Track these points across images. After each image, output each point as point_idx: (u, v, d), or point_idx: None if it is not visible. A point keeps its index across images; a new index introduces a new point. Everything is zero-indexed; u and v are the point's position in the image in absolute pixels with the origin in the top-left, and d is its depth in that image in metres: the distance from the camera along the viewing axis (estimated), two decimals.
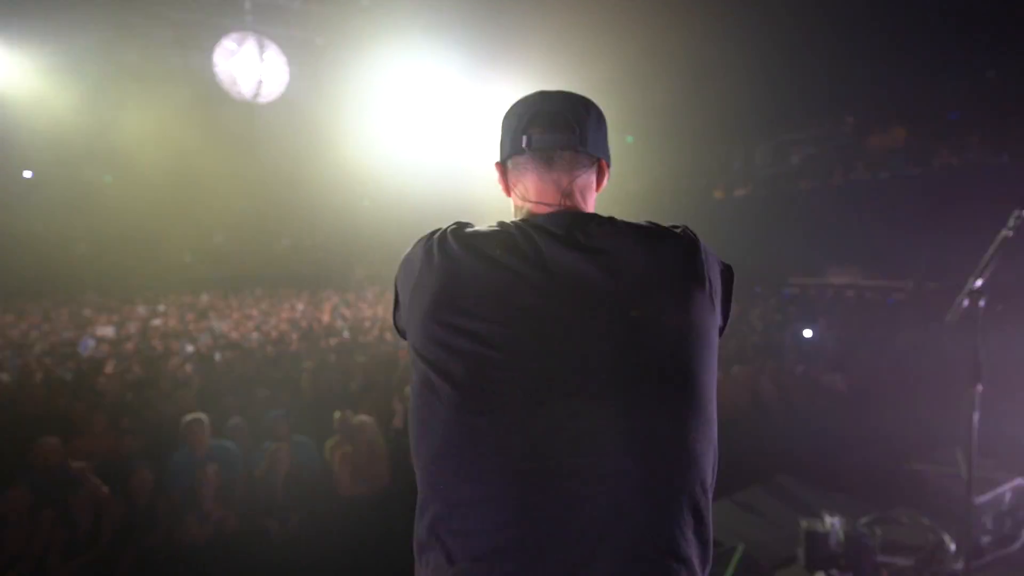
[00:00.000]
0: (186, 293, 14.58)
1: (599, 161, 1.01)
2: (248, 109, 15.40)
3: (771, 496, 4.18)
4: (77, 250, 16.80)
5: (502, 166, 1.03)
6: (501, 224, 0.93)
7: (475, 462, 0.81)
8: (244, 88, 13.03)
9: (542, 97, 1.00)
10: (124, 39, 12.53)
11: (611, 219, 0.93)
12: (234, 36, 12.34)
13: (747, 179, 14.20)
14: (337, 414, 3.82)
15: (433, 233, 0.94)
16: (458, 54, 13.25)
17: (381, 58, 13.59)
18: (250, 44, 12.57)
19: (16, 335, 8.44)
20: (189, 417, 3.53)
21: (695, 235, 0.94)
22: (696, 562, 0.81)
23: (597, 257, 0.86)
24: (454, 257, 0.88)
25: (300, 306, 12.01)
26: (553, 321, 0.83)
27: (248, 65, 12.68)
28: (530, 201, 0.98)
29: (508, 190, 1.03)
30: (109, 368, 5.90)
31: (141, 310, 11.54)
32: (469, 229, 0.93)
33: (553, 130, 0.96)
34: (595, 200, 1.04)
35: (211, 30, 12.58)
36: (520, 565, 0.77)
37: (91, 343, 7.50)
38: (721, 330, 0.94)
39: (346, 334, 8.28)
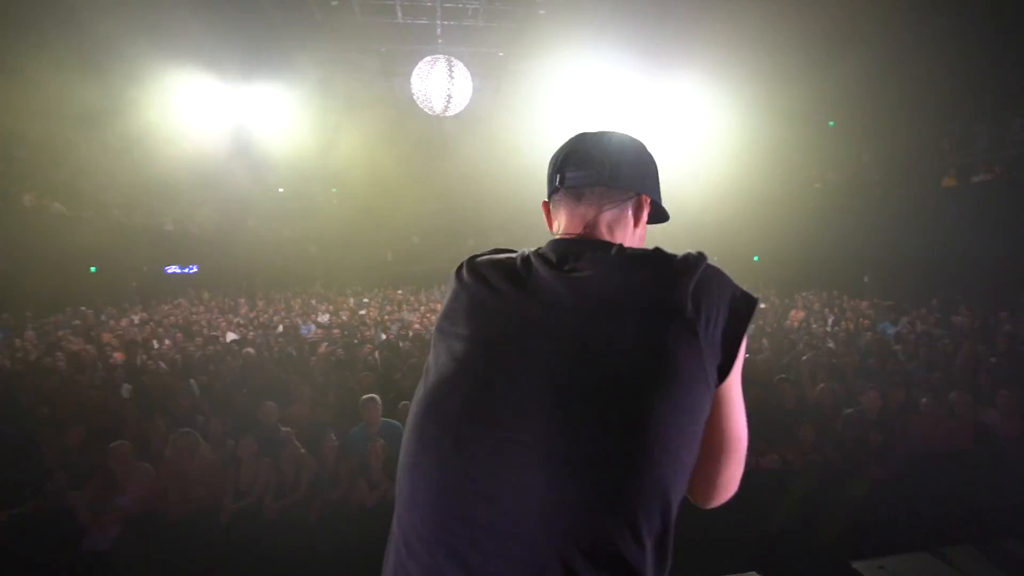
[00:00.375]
0: (387, 288, 16.76)
1: (638, 196, 1.02)
2: (439, 122, 17.18)
3: (989, 562, 3.38)
4: (310, 250, 20.37)
5: (547, 204, 1.08)
6: (518, 252, 0.98)
7: (415, 481, 0.84)
8: (436, 104, 14.54)
9: (579, 139, 1.05)
10: (342, 72, 14.80)
11: (618, 248, 0.92)
12: (428, 59, 13.83)
13: (992, 160, 11.40)
14: None
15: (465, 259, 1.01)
16: (633, 54, 13.05)
17: (558, 64, 14.01)
18: (441, 65, 13.96)
19: (264, 318, 10.61)
20: (366, 396, 4.11)
21: (698, 262, 0.87)
22: None
23: (575, 282, 0.87)
24: (463, 281, 0.95)
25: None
26: (511, 339, 0.85)
27: (439, 84, 14.10)
28: (560, 234, 1.02)
29: (551, 226, 1.07)
30: (322, 349, 7.11)
31: (351, 301, 13.58)
32: (486, 256, 0.98)
33: (583, 167, 1.00)
34: (635, 234, 1.03)
35: (409, 56, 14.25)
36: None
37: (312, 328, 9.09)
38: (724, 367, 0.84)
39: None
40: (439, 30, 13.68)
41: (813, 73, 10.07)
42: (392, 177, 19.17)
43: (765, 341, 7.25)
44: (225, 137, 14.96)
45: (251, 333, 8.87)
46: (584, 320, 0.83)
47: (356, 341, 7.49)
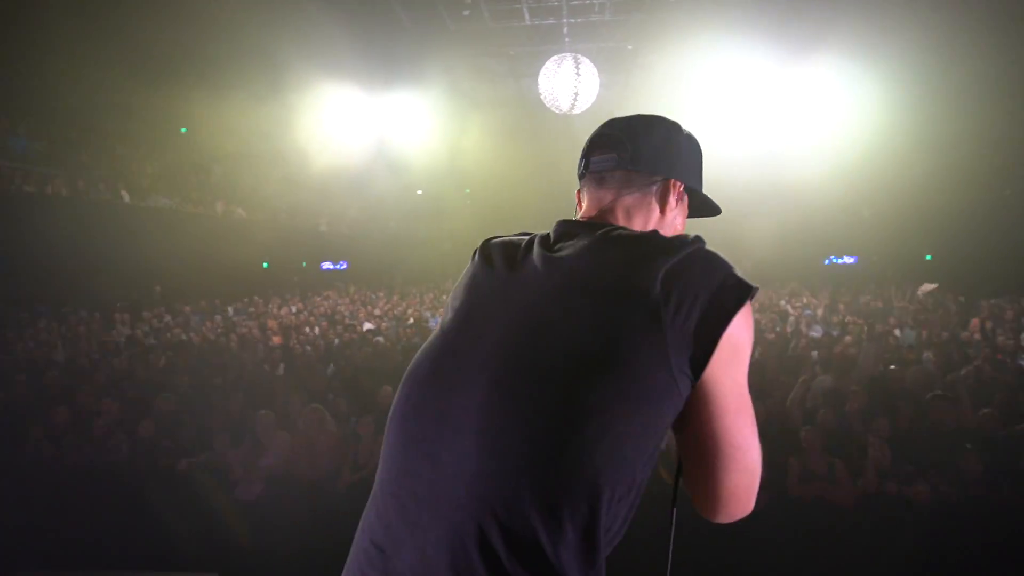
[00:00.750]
0: None
1: (664, 181, 0.99)
2: (567, 121, 17.25)
3: None
4: (444, 248, 21.66)
5: (579, 192, 1.07)
6: (527, 233, 1.01)
7: (387, 434, 0.89)
8: (563, 103, 14.62)
9: (608, 123, 1.04)
10: (472, 77, 15.49)
11: (609, 229, 0.90)
12: (554, 59, 13.95)
13: None
14: None
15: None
16: (767, 39, 12.03)
17: (689, 54, 13.31)
18: (567, 63, 13.99)
19: (398, 311, 11.53)
20: None
21: (682, 245, 0.81)
22: None
23: (553, 262, 0.86)
24: (473, 260, 1.00)
25: None
26: (485, 313, 0.87)
27: (566, 82, 14.16)
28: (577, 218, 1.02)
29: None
30: None
31: None
32: (502, 238, 1.01)
33: (603, 151, 1.00)
34: (663, 220, 0.99)
35: (537, 57, 14.48)
36: (392, 544, 0.79)
37: (439, 320, 9.70)
38: (698, 360, 0.76)
39: None
40: (566, 29, 13.73)
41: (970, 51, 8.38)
42: (521, 176, 19.67)
43: (928, 354, 6.23)
44: (368, 144, 16.46)
45: (384, 324, 9.70)
46: (547, 298, 0.83)
47: None
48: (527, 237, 0.98)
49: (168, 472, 4.07)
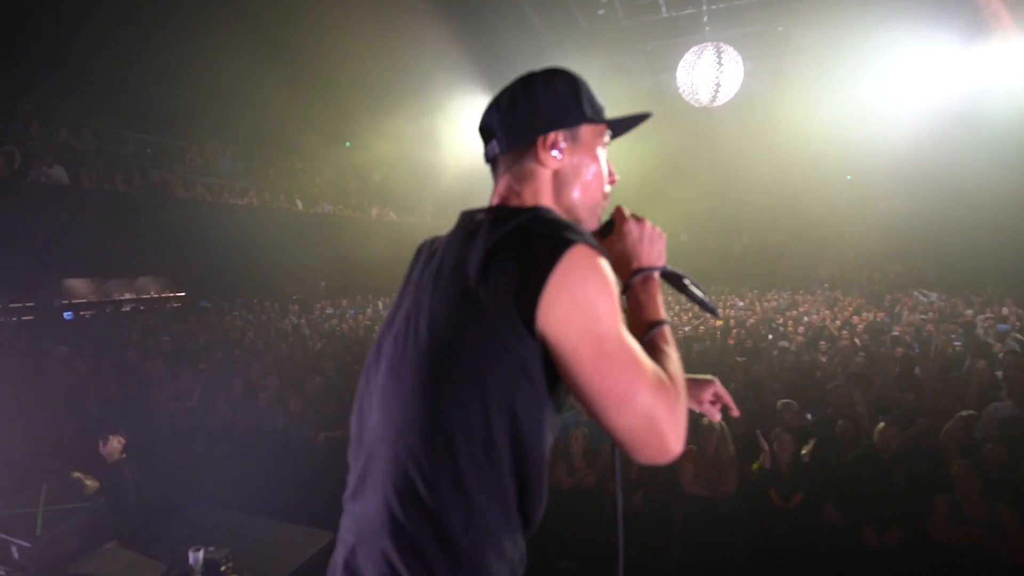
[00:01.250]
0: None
1: (531, 143, 0.98)
2: (709, 113, 16.28)
3: None
4: None
5: None
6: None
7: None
8: (703, 95, 13.86)
9: (484, 111, 1.04)
10: (607, 77, 15.31)
11: (481, 214, 0.93)
12: (693, 50, 13.27)
13: None
14: None
15: None
16: (938, 19, 10.23)
17: (846, 34, 11.87)
18: (708, 53, 13.22)
19: None
20: None
21: (510, 218, 0.87)
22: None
23: (438, 253, 0.96)
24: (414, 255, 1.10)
25: (740, 303, 12.00)
26: (400, 303, 0.99)
27: (706, 74, 13.40)
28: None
29: None
30: None
31: None
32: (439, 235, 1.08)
33: (486, 143, 1.04)
34: (562, 174, 0.99)
35: (675, 50, 13.89)
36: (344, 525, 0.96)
37: None
38: (527, 321, 0.80)
39: (770, 337, 7.84)
40: (705, 17, 12.99)
41: None
42: (659, 174, 19.03)
43: None
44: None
45: None
46: (424, 288, 0.92)
47: None
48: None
49: (309, 442, 4.73)
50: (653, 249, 1.06)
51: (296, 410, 5.12)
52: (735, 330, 8.01)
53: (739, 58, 13.16)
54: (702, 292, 1.13)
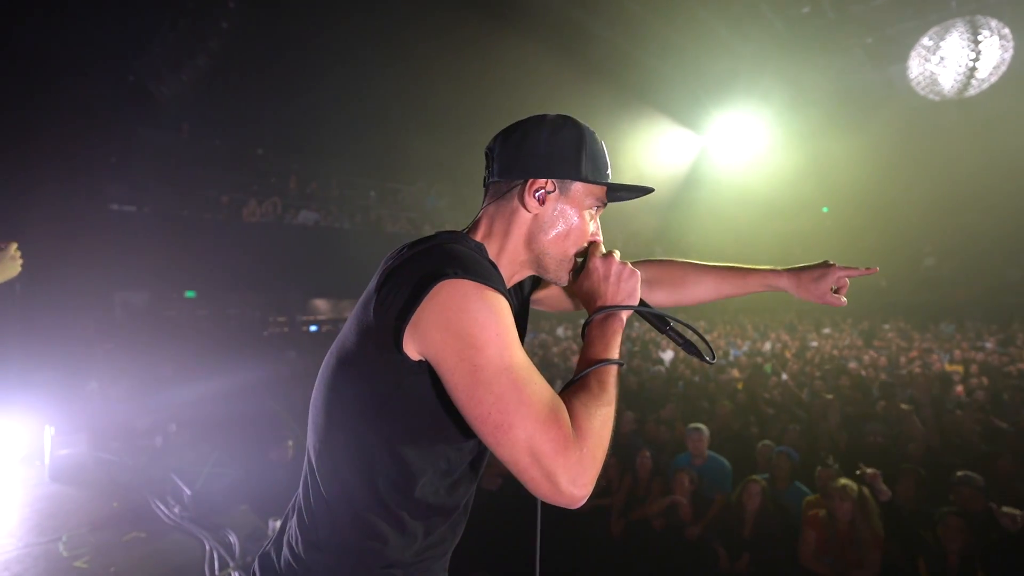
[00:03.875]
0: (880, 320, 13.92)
1: (524, 182, 1.01)
2: (961, 107, 13.07)
3: None
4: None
5: None
6: None
7: None
8: (945, 86, 11.29)
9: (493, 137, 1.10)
10: (817, 79, 13.46)
11: (421, 245, 0.95)
12: (931, 32, 10.91)
13: None
14: (819, 469, 3.13)
15: None
16: None
17: None
18: (954, 33, 10.76)
19: (723, 342, 10.94)
20: (691, 426, 3.89)
21: (411, 247, 0.93)
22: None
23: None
24: None
25: (991, 343, 9.25)
26: None
27: (952, 59, 10.90)
28: None
29: None
30: (736, 372, 6.90)
31: (822, 332, 12.12)
32: None
33: (487, 168, 1.07)
34: (538, 220, 1.02)
35: (910, 35, 11.64)
36: None
37: (740, 352, 8.80)
38: (398, 344, 0.85)
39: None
40: None
41: None
42: (895, 187, 15.85)
43: None
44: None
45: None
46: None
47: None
48: None
49: None
50: (620, 288, 1.02)
51: None
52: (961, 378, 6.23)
53: (1007, 31, 10.42)
54: (696, 334, 1.09)
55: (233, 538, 2.70)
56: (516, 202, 1.01)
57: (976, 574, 2.58)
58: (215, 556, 2.55)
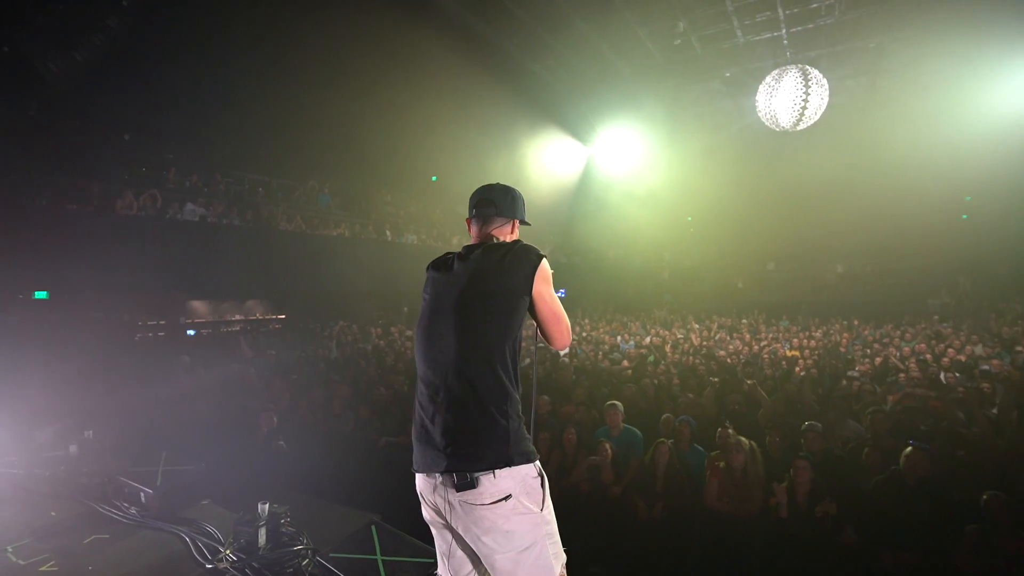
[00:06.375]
0: (735, 316, 16.01)
1: (512, 220, 2.01)
2: (795, 138, 15.63)
3: None
4: (662, 276, 21.27)
5: (469, 220, 2.03)
6: (451, 254, 1.95)
7: (416, 340, 1.91)
8: (783, 120, 13.43)
9: (482, 189, 2.02)
10: (684, 105, 15.26)
11: (493, 244, 1.87)
12: (773, 73, 12.97)
13: None
14: (719, 430, 3.91)
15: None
16: None
17: (952, 42, 11.12)
18: (790, 76, 12.87)
19: (596, 335, 11.96)
20: (610, 402, 4.51)
21: (515, 244, 1.87)
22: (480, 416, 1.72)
23: (467, 263, 1.85)
24: (428, 271, 1.96)
25: (817, 334, 11.32)
26: (441, 291, 1.86)
27: (788, 97, 13.02)
28: (472, 241, 2.01)
29: (471, 232, 2.04)
30: (623, 363, 7.74)
31: (696, 326, 13.76)
32: (437, 259, 1.96)
33: (483, 207, 1.99)
34: (512, 236, 2.00)
35: (754, 75, 13.68)
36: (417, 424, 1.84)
37: (632, 345, 9.82)
38: (528, 288, 1.78)
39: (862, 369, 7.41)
40: (785, 40, 12.72)
41: None
42: (744, 202, 18.37)
43: None
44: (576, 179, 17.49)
45: (583, 346, 10.26)
46: (471, 277, 1.81)
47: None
48: (450, 255, 1.93)
49: (373, 445, 5.25)
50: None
51: (364, 416, 5.69)
52: (801, 360, 7.69)
53: (824, 80, 12.71)
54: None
55: (211, 528, 2.71)
56: (507, 228, 2.00)
57: (822, 498, 3.43)
58: (200, 545, 2.55)
